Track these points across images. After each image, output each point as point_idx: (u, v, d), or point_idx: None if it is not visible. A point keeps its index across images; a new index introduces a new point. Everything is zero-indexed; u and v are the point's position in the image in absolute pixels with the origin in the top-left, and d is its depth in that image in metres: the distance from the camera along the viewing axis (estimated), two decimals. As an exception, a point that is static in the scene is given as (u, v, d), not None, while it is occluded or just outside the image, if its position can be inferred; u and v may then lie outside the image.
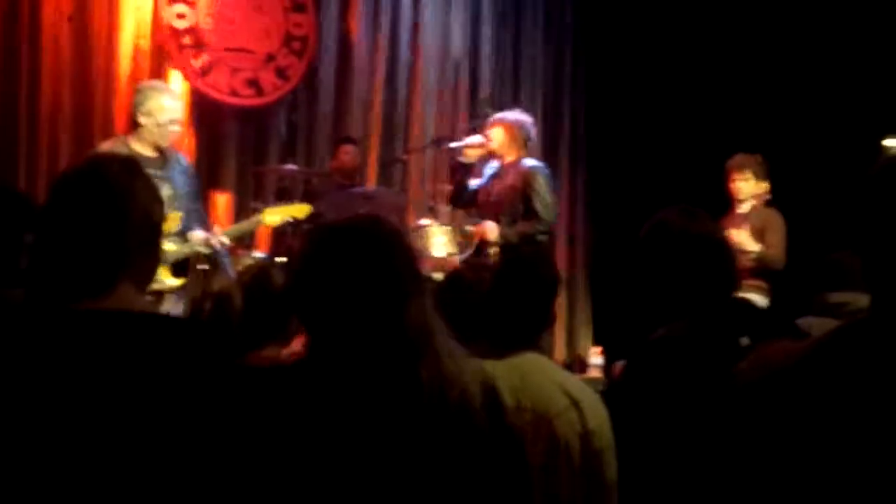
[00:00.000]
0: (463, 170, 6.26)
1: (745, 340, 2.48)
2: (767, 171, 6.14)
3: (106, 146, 5.10)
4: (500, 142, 6.04)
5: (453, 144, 6.52)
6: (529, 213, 5.92)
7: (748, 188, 6.08)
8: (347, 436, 1.81)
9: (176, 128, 5.20)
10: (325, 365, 1.88)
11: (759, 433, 1.43)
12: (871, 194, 1.45)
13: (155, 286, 5.05)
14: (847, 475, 1.35)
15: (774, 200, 6.23)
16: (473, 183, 6.25)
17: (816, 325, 3.25)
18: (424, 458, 1.83)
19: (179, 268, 5.23)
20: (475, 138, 6.23)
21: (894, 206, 1.41)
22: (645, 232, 2.71)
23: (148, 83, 5.61)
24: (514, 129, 6.06)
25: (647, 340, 2.58)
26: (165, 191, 5.14)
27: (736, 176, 6.14)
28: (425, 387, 1.85)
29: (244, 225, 5.58)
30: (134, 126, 5.11)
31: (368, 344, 1.85)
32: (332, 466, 1.81)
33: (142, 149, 5.04)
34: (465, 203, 6.36)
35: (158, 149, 5.13)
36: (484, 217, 6.09)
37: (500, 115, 6.23)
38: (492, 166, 6.17)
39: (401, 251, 1.96)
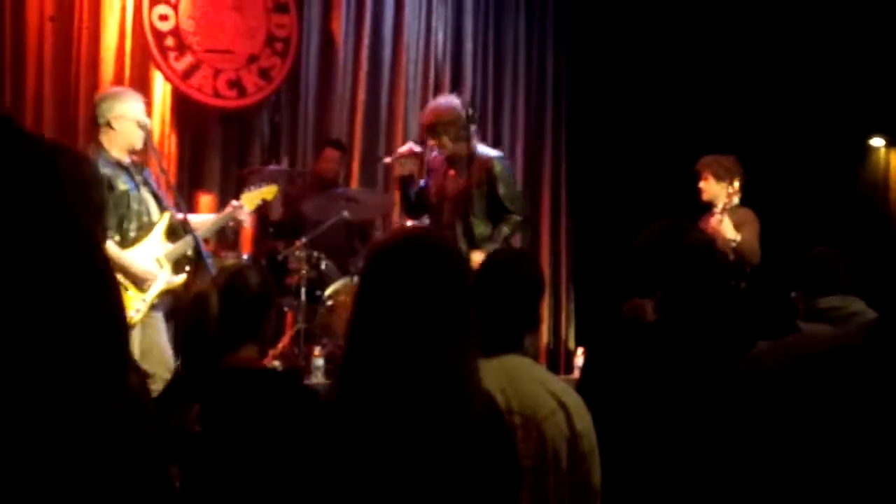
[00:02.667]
0: (405, 181, 5.92)
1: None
2: (735, 172, 6.17)
3: (89, 151, 5.05)
4: (450, 147, 5.68)
5: (387, 159, 6.32)
6: (496, 205, 5.66)
7: (710, 189, 6.14)
8: (394, 456, 1.84)
9: (146, 128, 5.22)
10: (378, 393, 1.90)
11: (786, 419, 1.40)
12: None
13: (164, 286, 5.11)
14: (880, 464, 1.33)
15: (759, 199, 6.26)
16: (418, 186, 5.97)
17: (810, 330, 3.28)
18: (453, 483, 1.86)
19: (178, 265, 5.27)
20: (404, 148, 5.95)
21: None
22: (633, 247, 2.77)
23: (109, 91, 5.60)
24: (444, 117, 5.67)
25: (616, 326, 2.61)
26: (148, 194, 5.17)
27: (700, 178, 6.22)
28: (461, 418, 1.88)
29: (220, 220, 5.54)
30: (103, 133, 5.09)
31: (410, 374, 1.89)
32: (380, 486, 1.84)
33: (119, 155, 5.06)
34: (419, 210, 6.02)
35: (132, 152, 5.14)
36: (443, 215, 5.80)
37: (430, 119, 5.76)
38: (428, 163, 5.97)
39: (462, 281, 2.00)
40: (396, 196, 7.08)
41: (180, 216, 5.23)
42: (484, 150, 5.83)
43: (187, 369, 3.10)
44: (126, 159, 5.11)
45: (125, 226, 5.07)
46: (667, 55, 7.90)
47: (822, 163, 7.01)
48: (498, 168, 5.69)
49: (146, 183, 5.22)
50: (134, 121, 5.15)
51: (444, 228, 5.75)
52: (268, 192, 5.71)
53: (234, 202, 5.56)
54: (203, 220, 5.52)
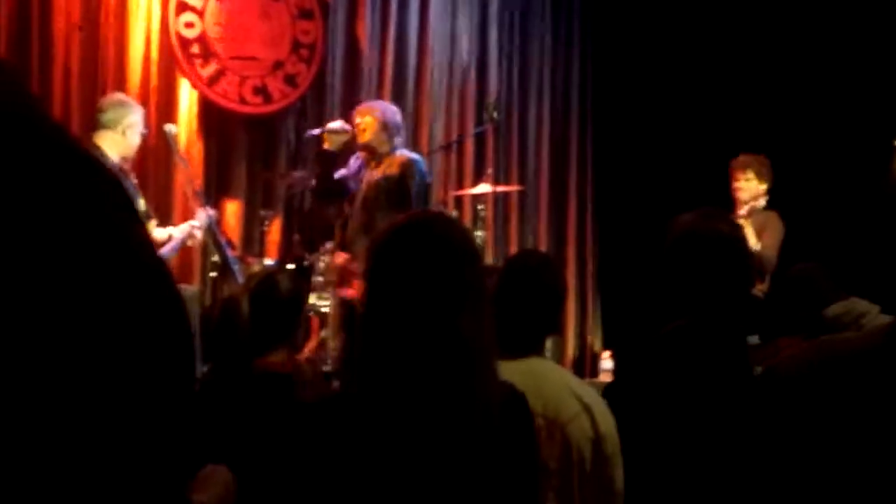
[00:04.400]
0: (327, 158, 6.10)
1: (753, 339, 2.51)
2: (770, 173, 6.13)
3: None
4: (373, 131, 5.94)
5: (314, 131, 6.40)
6: (403, 203, 5.69)
7: (750, 188, 6.07)
8: (404, 453, 1.84)
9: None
10: (380, 382, 1.89)
11: (809, 426, 1.39)
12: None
13: None
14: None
15: (782, 202, 6.22)
16: (340, 173, 6.11)
17: (830, 336, 3.26)
18: (475, 471, 1.84)
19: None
20: (336, 124, 6.12)
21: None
22: (666, 233, 2.74)
23: (116, 97, 5.67)
24: (385, 118, 5.97)
25: (656, 334, 2.60)
26: (142, 200, 5.27)
27: (739, 176, 6.14)
28: (479, 402, 1.86)
29: (179, 241, 5.59)
30: (107, 137, 5.16)
31: (425, 354, 1.86)
32: (392, 481, 1.84)
33: (114, 158, 5.16)
34: (333, 195, 6.17)
35: (125, 160, 5.25)
36: (354, 209, 5.94)
37: (367, 104, 6.12)
38: (358, 156, 6.10)
39: (467, 255, 1.96)
40: (466, 187, 7.17)
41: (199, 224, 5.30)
42: (404, 151, 6.00)
43: (217, 373, 3.12)
44: (122, 165, 5.21)
45: None
46: (693, 62, 7.87)
47: (849, 164, 6.95)
48: (414, 169, 5.84)
49: (138, 190, 5.33)
50: (140, 131, 5.26)
51: (351, 220, 5.96)
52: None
53: (193, 223, 5.66)
54: (161, 234, 5.58)
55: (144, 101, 6.67)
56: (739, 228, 2.80)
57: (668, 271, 2.76)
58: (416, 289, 1.87)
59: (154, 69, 6.80)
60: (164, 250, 5.30)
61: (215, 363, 3.19)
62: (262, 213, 6.91)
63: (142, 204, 5.28)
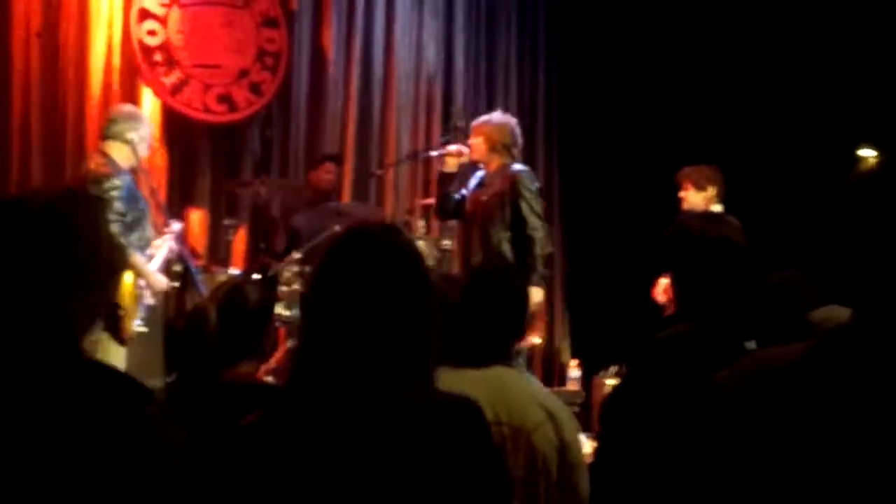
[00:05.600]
0: (445, 179, 6.10)
1: (751, 344, 2.49)
2: (713, 181, 6.20)
3: (103, 169, 5.11)
4: (480, 150, 5.91)
5: (433, 153, 6.43)
6: (517, 220, 5.77)
7: (690, 199, 6.18)
8: (333, 457, 1.81)
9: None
10: (316, 382, 1.87)
11: (740, 443, 1.41)
12: (852, 205, 1.44)
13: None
14: (831, 485, 1.33)
15: (746, 210, 6.25)
16: (461, 192, 6.10)
17: (762, 351, 3.25)
18: (411, 487, 1.82)
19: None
20: (453, 147, 6.12)
21: (876, 215, 1.40)
22: (666, 236, 2.75)
23: (129, 109, 5.66)
24: (493, 135, 5.91)
25: (652, 340, 2.59)
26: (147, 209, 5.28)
27: (681, 187, 6.26)
28: (409, 409, 1.84)
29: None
30: (118, 148, 5.18)
31: (357, 361, 1.84)
32: (318, 490, 1.81)
33: (126, 167, 5.17)
34: (452, 214, 6.19)
35: (131, 172, 5.26)
36: (471, 227, 5.94)
37: (479, 120, 6.07)
38: (478, 175, 6.04)
39: (408, 264, 1.94)
40: (433, 195, 7.13)
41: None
42: (516, 166, 5.92)
43: (184, 383, 3.07)
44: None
45: (139, 241, 5.15)
46: (659, 67, 7.90)
47: (811, 173, 7.00)
48: (523, 184, 5.79)
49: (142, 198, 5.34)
50: (147, 145, 5.39)
51: (470, 240, 5.97)
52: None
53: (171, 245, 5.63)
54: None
55: (106, 111, 6.62)
56: (740, 232, 2.78)
57: (671, 276, 2.77)
58: (353, 297, 1.87)
59: (116, 77, 6.75)
60: (153, 265, 5.28)
61: (182, 373, 3.15)
62: (227, 222, 6.86)
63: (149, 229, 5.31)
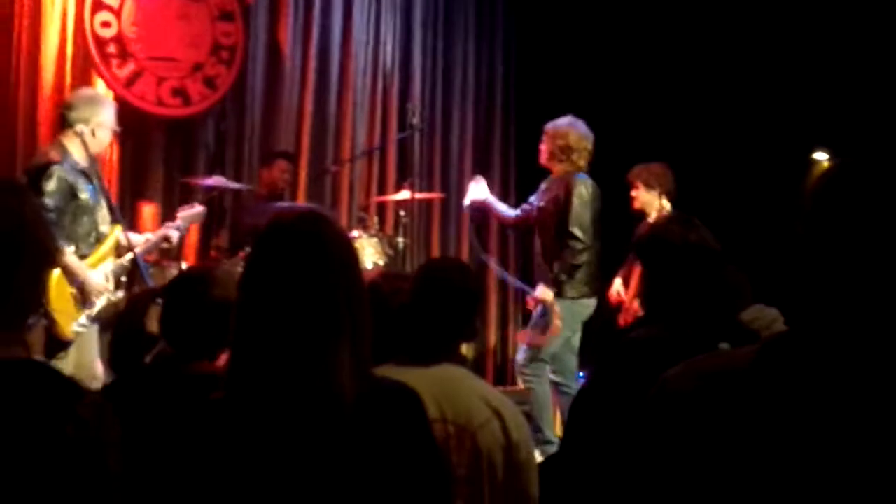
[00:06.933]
0: (477, 213, 6.32)
1: (724, 346, 2.49)
2: (662, 180, 6.26)
3: (53, 154, 4.96)
4: (546, 156, 5.99)
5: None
6: (562, 230, 5.78)
7: (640, 198, 6.26)
8: (268, 453, 1.81)
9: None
10: (247, 377, 1.87)
11: (686, 443, 1.41)
12: (811, 205, 1.44)
13: (106, 302, 5.01)
14: (774, 488, 1.33)
15: (701, 212, 6.28)
16: (531, 198, 6.19)
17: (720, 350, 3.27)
18: (347, 474, 1.82)
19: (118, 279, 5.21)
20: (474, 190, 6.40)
21: (828, 218, 1.40)
22: (642, 240, 2.75)
23: (86, 94, 5.50)
24: (555, 142, 5.94)
25: (624, 341, 2.59)
26: (104, 202, 5.08)
27: (632, 187, 6.33)
28: (346, 401, 1.83)
29: (155, 241, 5.44)
30: (73, 137, 4.99)
31: (287, 351, 1.85)
32: (252, 485, 1.81)
33: (80, 158, 4.97)
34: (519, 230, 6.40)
35: (90, 158, 5.06)
36: (535, 235, 6.03)
37: (550, 125, 6.08)
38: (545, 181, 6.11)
39: (339, 254, 1.94)
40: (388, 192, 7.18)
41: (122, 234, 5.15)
42: (579, 175, 5.91)
43: (118, 371, 3.02)
44: (86, 164, 5.02)
45: (83, 236, 4.98)
46: (617, 62, 7.92)
47: (766, 176, 7.06)
48: (576, 192, 5.78)
49: (103, 190, 5.14)
50: (111, 129, 5.14)
51: (535, 252, 6.05)
52: (198, 215, 5.68)
53: (168, 224, 5.52)
54: (138, 240, 5.40)
55: (59, 101, 6.52)
56: (704, 231, 2.78)
57: (646, 279, 2.77)
58: (278, 287, 1.88)
59: (69, 68, 6.65)
60: (137, 251, 5.16)
61: (115, 366, 3.10)
62: (180, 216, 6.78)
63: (104, 208, 5.11)
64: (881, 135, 6.83)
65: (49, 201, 4.76)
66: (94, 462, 1.57)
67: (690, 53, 7.69)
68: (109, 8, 6.75)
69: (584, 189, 5.81)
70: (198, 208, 5.69)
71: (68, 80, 6.63)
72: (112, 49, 6.77)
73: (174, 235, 5.44)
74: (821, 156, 7.95)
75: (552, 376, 5.91)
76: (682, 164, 6.55)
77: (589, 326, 6.04)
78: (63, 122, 5.09)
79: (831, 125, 7.11)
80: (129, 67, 6.82)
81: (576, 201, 5.75)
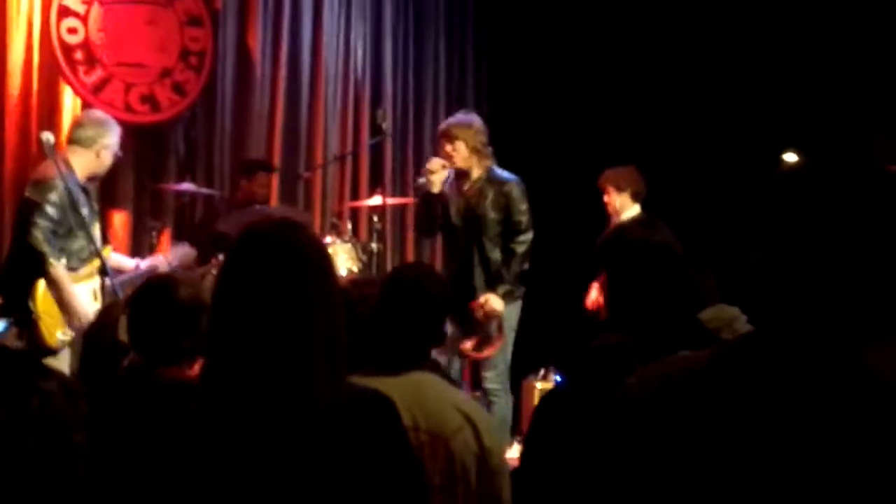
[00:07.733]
0: (432, 201, 5.66)
1: (685, 353, 2.48)
2: (631, 182, 6.32)
3: (50, 171, 5.02)
4: (465, 156, 5.59)
5: (420, 181, 5.90)
6: (509, 230, 5.57)
7: (612, 202, 6.33)
8: (244, 462, 1.81)
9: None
10: (221, 382, 1.87)
11: (646, 448, 1.40)
12: (767, 208, 1.44)
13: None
14: (733, 488, 1.33)
15: (670, 214, 6.30)
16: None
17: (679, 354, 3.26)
18: (324, 483, 1.82)
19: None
20: (433, 163, 5.68)
21: (786, 220, 1.41)
22: (603, 242, 2.73)
23: (98, 116, 5.59)
24: (474, 137, 5.60)
25: (588, 347, 2.57)
26: (97, 222, 5.17)
27: (604, 191, 6.38)
28: (322, 410, 1.83)
29: (143, 274, 5.47)
30: (80, 154, 5.14)
31: (263, 358, 1.85)
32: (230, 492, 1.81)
33: (81, 175, 5.19)
34: (435, 231, 5.93)
35: (89, 178, 5.22)
36: (457, 240, 5.67)
37: (450, 124, 5.72)
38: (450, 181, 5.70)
39: (314, 262, 1.93)
40: (361, 198, 7.03)
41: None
42: (502, 173, 5.69)
43: (85, 377, 3.00)
44: (84, 184, 5.18)
45: (76, 251, 5.02)
46: (590, 65, 7.94)
47: (735, 177, 7.07)
48: (514, 192, 5.59)
49: (97, 211, 5.32)
50: (114, 153, 5.32)
51: (459, 251, 5.68)
52: (189, 255, 5.80)
53: (161, 259, 5.65)
54: (129, 264, 5.55)
55: (26, 109, 6.48)
56: (666, 233, 2.76)
57: (607, 282, 2.76)
58: (251, 295, 1.87)
59: (36, 75, 6.58)
60: (123, 278, 5.24)
61: (84, 367, 3.08)
62: (151, 223, 6.75)
63: (97, 228, 5.20)
64: (852, 136, 6.88)
65: (52, 211, 4.89)
66: (58, 435, 1.56)
67: (661, 57, 7.71)
68: (76, 14, 6.69)
69: (520, 191, 5.64)
70: (188, 249, 5.82)
71: (35, 87, 6.56)
72: (79, 55, 6.71)
73: (162, 267, 5.51)
74: (791, 157, 7.99)
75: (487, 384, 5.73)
76: (654, 166, 6.57)
77: (562, 332, 6.02)
78: (69, 138, 5.27)
79: (801, 127, 7.14)
80: (97, 74, 6.76)
81: (522, 206, 5.60)
